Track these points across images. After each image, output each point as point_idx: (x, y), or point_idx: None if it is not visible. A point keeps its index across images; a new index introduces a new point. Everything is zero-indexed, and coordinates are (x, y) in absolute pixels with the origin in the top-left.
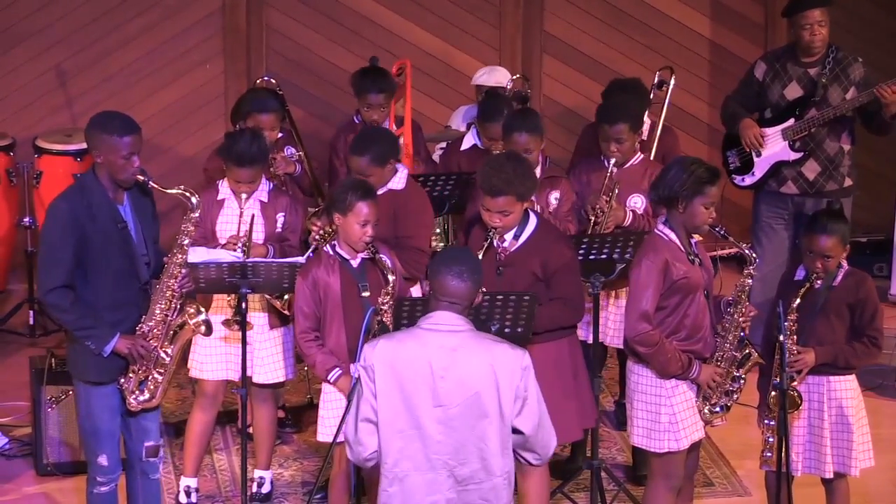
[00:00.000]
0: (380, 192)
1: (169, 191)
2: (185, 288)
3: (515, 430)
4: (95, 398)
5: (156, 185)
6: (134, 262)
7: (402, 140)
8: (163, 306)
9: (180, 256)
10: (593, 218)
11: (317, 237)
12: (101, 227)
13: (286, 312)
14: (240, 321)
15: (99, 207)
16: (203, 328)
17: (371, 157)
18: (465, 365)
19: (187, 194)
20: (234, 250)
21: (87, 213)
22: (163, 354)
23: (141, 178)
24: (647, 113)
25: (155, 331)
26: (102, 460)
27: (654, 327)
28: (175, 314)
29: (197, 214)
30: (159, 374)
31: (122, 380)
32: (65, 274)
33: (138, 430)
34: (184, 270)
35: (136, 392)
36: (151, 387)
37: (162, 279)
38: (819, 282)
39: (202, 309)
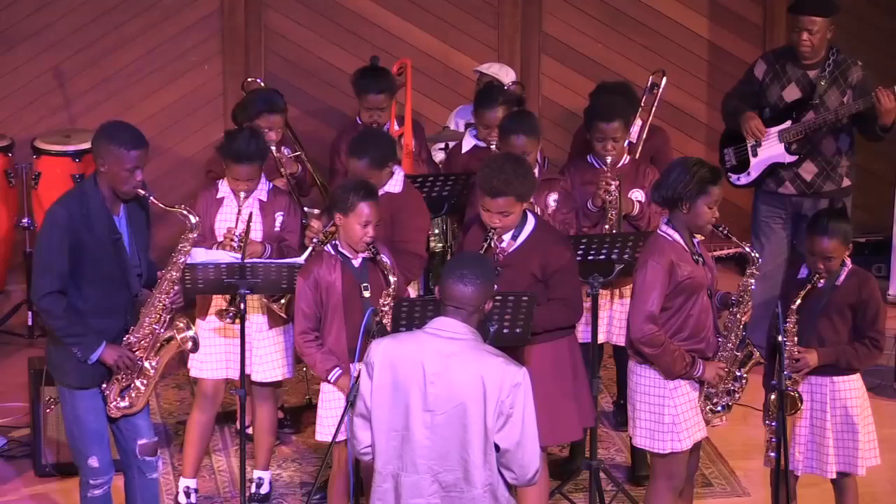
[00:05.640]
0: None
1: (169, 209)
2: (176, 304)
3: (495, 445)
4: (80, 400)
5: (156, 202)
6: (125, 273)
7: (401, 140)
8: (152, 319)
9: (174, 273)
10: (606, 198)
11: (314, 238)
12: (96, 237)
13: (284, 315)
14: (233, 313)
15: (96, 217)
16: (190, 344)
17: (369, 160)
18: (456, 373)
19: (186, 212)
20: (231, 243)
21: (84, 222)
22: (147, 365)
23: (142, 192)
24: (637, 114)
25: (142, 342)
26: (93, 462)
27: (659, 328)
28: (164, 327)
29: (195, 234)
30: (142, 383)
31: (105, 385)
32: (59, 280)
33: (129, 429)
34: (176, 287)
35: (118, 399)
36: (133, 395)
37: (154, 293)
38: (822, 281)
39: (191, 325)
